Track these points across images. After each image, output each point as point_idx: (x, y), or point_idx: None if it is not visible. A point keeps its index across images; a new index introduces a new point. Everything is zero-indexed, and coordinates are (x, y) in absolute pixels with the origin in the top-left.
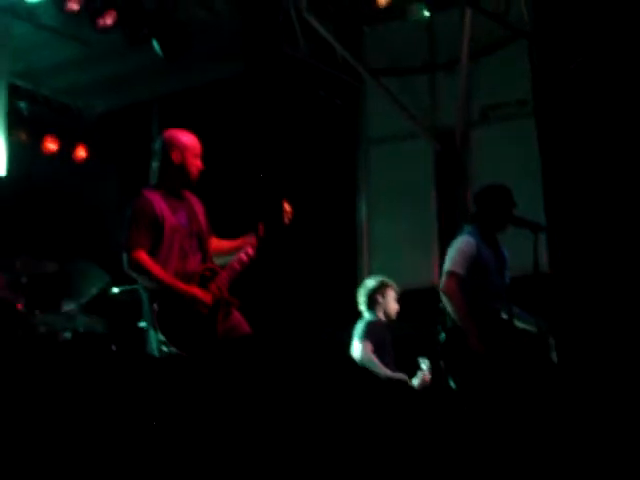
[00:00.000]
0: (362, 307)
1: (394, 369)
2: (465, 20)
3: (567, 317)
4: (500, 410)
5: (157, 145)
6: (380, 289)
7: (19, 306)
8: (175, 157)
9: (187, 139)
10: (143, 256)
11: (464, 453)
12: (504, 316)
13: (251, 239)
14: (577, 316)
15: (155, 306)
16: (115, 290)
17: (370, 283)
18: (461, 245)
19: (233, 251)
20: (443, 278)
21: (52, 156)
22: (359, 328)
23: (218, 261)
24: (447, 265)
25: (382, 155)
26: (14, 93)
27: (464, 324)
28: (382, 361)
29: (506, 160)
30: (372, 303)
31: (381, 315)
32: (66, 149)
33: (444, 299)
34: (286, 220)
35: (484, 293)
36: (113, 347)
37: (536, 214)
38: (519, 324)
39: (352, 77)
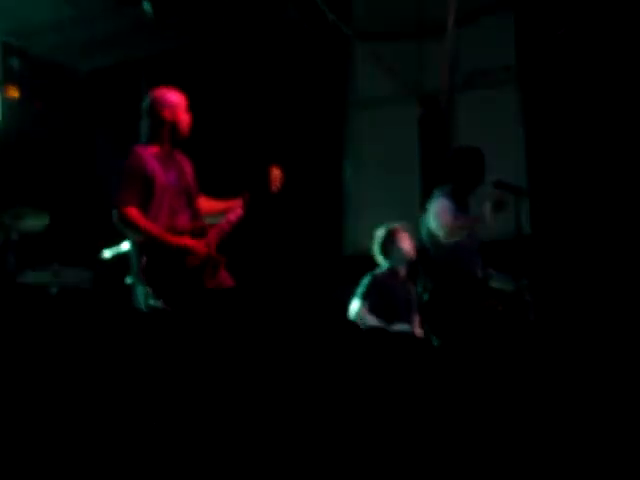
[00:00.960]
0: (378, 259)
1: (409, 322)
2: None
3: (548, 278)
4: (480, 368)
5: (146, 104)
6: (388, 236)
7: None
8: (166, 115)
9: (175, 96)
10: (133, 212)
11: (443, 405)
12: (480, 276)
13: (240, 201)
14: (557, 277)
15: (143, 259)
16: (107, 254)
17: (379, 233)
18: (438, 208)
19: (222, 212)
20: (446, 230)
21: (42, 113)
22: (362, 284)
23: (207, 221)
24: (433, 223)
25: (368, 118)
26: (6, 51)
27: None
28: (392, 316)
29: (490, 125)
30: (386, 252)
31: (399, 260)
32: (56, 106)
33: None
34: (276, 184)
35: (461, 254)
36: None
37: (519, 178)
38: (495, 284)
39: (340, 41)
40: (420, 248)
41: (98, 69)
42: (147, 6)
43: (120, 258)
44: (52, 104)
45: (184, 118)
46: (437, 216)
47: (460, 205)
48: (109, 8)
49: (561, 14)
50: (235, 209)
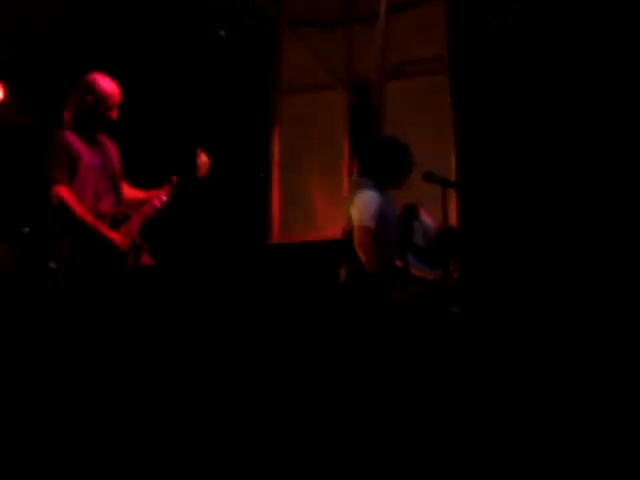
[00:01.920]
0: None
1: None
2: None
3: (474, 270)
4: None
5: (77, 87)
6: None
7: None
8: (89, 102)
9: (107, 86)
10: (64, 192)
11: None
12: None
13: (166, 187)
14: (484, 270)
15: (66, 241)
16: (26, 229)
17: None
18: (368, 200)
19: (144, 200)
20: (357, 233)
21: None
22: None
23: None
24: (357, 221)
25: (297, 105)
26: None
27: (381, 276)
28: None
29: (420, 115)
30: None
31: None
32: None
33: (360, 254)
34: (203, 171)
35: (386, 245)
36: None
37: (447, 170)
38: (416, 271)
39: (270, 26)
40: (345, 233)
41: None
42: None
43: (40, 235)
44: None
45: (107, 112)
46: (361, 213)
47: (384, 196)
48: None
49: (494, 5)
50: (160, 195)
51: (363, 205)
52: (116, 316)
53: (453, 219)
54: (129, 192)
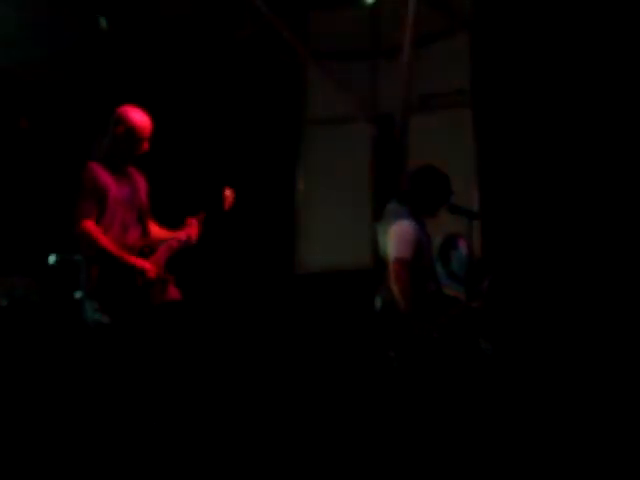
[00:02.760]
0: None
1: None
2: (409, 8)
3: (499, 302)
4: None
5: (110, 119)
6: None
7: None
8: (120, 134)
9: (138, 118)
10: (91, 225)
11: None
12: (433, 289)
13: (192, 223)
14: (508, 300)
15: (93, 272)
16: (52, 258)
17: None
18: (404, 230)
19: (169, 239)
20: (393, 265)
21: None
22: None
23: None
24: (393, 252)
25: (322, 138)
26: None
27: (409, 313)
28: None
29: (443, 148)
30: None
31: None
32: (8, 119)
33: (394, 288)
34: (227, 206)
35: (421, 273)
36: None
37: (470, 202)
38: (449, 291)
39: (295, 60)
40: (378, 260)
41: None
42: (103, 21)
43: (65, 264)
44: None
45: (138, 144)
46: (397, 244)
47: (420, 224)
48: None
49: (517, 40)
50: (186, 229)
51: (400, 235)
52: (141, 349)
53: (477, 250)
54: (156, 231)
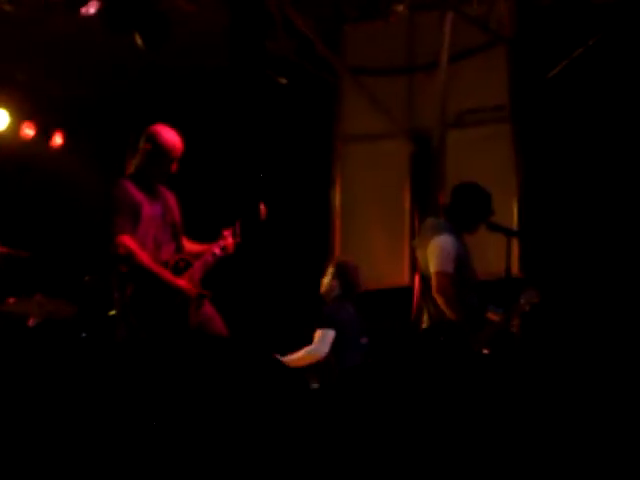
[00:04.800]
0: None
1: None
2: (445, 23)
3: (539, 319)
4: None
5: (141, 137)
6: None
7: None
8: (150, 154)
9: (169, 138)
10: (129, 241)
11: None
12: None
13: (227, 234)
14: (548, 319)
15: (129, 290)
16: (87, 278)
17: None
18: (444, 244)
19: (206, 250)
20: (436, 279)
21: (29, 142)
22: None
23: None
24: (435, 266)
25: (357, 154)
26: None
27: (462, 323)
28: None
29: (480, 164)
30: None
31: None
32: (43, 135)
33: (440, 301)
34: (261, 219)
35: (463, 286)
36: (83, 334)
37: (507, 219)
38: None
39: (331, 75)
40: (421, 277)
41: (88, 98)
42: (139, 38)
43: (100, 284)
44: (38, 132)
45: (168, 163)
46: (438, 258)
47: (460, 239)
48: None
49: (555, 54)
50: (221, 243)
51: (440, 250)
52: (176, 367)
53: (516, 268)
54: (189, 246)
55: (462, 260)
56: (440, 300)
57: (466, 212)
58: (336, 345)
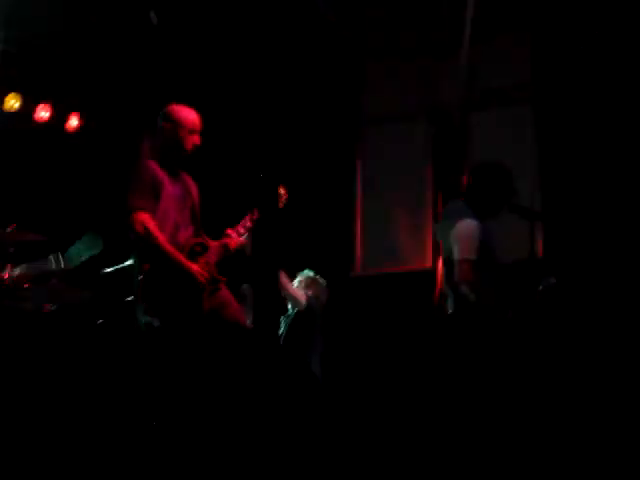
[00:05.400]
0: None
1: None
2: (468, 4)
3: (562, 302)
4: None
5: (159, 117)
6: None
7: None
8: (169, 131)
9: (185, 114)
10: (147, 218)
11: None
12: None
13: (244, 221)
14: (571, 301)
15: (143, 273)
16: (107, 270)
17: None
18: (468, 230)
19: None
20: (460, 266)
21: (44, 123)
22: None
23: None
24: (459, 252)
25: (380, 135)
26: (5, 59)
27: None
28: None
29: (503, 145)
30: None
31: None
32: (59, 117)
33: (464, 288)
34: (280, 204)
35: (488, 268)
36: (99, 320)
37: (531, 201)
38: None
39: (354, 57)
40: (445, 261)
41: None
42: (153, 16)
43: (121, 275)
44: (54, 114)
45: (188, 138)
46: (463, 244)
47: (483, 222)
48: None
49: (579, 34)
50: (239, 228)
51: (464, 236)
52: (190, 354)
53: (540, 250)
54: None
55: (487, 244)
56: (465, 287)
57: (487, 193)
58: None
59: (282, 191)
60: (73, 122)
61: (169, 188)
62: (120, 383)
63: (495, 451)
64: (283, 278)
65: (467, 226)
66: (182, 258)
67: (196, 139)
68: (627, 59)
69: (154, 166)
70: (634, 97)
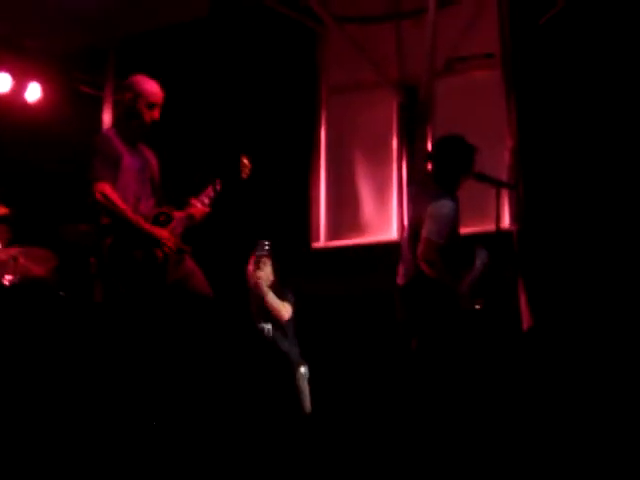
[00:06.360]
0: None
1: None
2: None
3: (532, 272)
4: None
5: (121, 87)
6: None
7: None
8: (129, 101)
9: (148, 86)
10: (108, 189)
11: None
12: None
13: (207, 191)
14: (542, 271)
15: (106, 242)
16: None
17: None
18: (444, 210)
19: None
20: (424, 245)
21: (4, 96)
22: None
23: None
24: (428, 232)
25: (343, 104)
26: None
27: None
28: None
29: (470, 112)
30: None
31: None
32: (19, 88)
33: (424, 266)
34: (244, 174)
35: (452, 254)
36: (60, 293)
37: (498, 168)
38: None
39: (314, 23)
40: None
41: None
42: None
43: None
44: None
45: (147, 111)
46: (434, 225)
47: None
48: None
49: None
50: (202, 198)
51: (437, 217)
52: (154, 325)
53: (505, 220)
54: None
55: (455, 226)
56: (424, 266)
57: (449, 167)
58: None
59: (245, 161)
60: (34, 92)
61: (128, 160)
62: (83, 355)
63: (460, 437)
64: (262, 287)
65: (442, 208)
66: (147, 225)
67: (155, 114)
68: (595, 24)
69: (114, 137)
70: (606, 62)
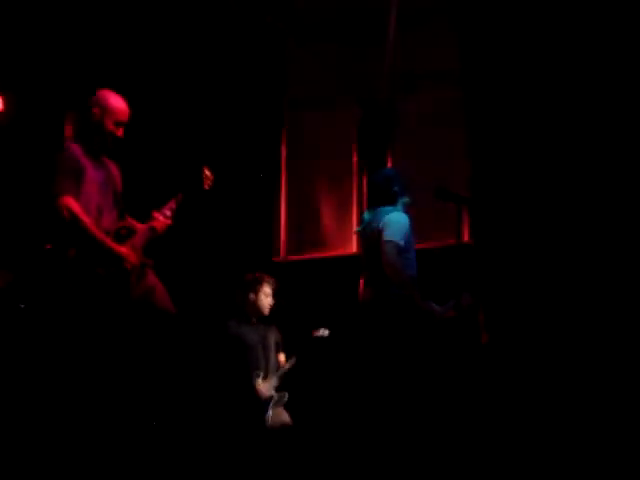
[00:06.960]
0: None
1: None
2: None
3: (490, 287)
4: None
5: (86, 101)
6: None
7: None
8: (94, 116)
9: (114, 102)
10: (72, 202)
11: None
12: None
13: (169, 204)
14: (500, 286)
15: (71, 253)
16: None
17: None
18: (398, 218)
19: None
20: (385, 247)
21: None
22: None
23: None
24: (388, 235)
25: (304, 120)
26: None
27: (410, 290)
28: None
29: (432, 130)
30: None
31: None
32: None
33: (388, 270)
34: (206, 186)
35: (409, 265)
36: (21, 305)
37: (460, 186)
38: None
39: (278, 41)
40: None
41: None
42: None
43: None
44: None
45: (112, 128)
46: (390, 229)
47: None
48: None
49: (507, 17)
50: (164, 211)
51: (395, 223)
52: (118, 340)
53: (466, 235)
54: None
55: (410, 240)
56: (388, 270)
57: (387, 196)
58: None
59: (207, 172)
60: None
61: (92, 173)
62: (46, 367)
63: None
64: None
65: (398, 215)
66: (109, 241)
67: (120, 132)
68: (555, 40)
69: (77, 150)
70: (563, 78)
